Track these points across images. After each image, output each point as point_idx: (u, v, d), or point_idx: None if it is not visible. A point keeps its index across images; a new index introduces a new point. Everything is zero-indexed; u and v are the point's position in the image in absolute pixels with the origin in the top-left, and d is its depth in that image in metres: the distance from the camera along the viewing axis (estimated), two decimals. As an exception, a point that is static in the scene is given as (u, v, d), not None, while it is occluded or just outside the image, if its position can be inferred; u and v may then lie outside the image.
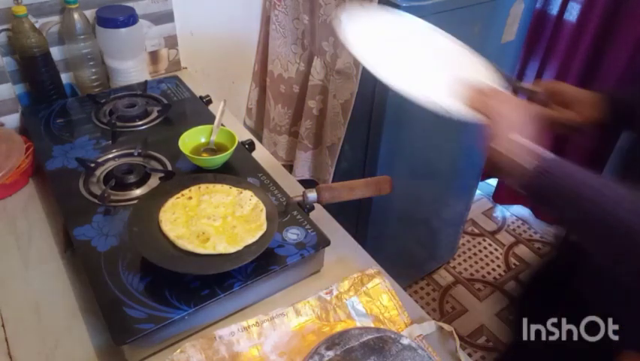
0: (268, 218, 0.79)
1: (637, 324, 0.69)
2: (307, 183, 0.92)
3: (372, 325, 0.73)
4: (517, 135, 0.58)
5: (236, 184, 0.85)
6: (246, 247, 0.74)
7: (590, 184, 0.56)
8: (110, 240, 0.78)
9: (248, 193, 0.83)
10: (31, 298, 0.77)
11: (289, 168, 1.75)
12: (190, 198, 0.81)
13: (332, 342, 0.59)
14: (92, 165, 0.93)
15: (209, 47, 1.53)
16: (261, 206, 0.81)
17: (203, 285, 0.71)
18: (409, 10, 1.14)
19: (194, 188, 0.83)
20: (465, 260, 2.05)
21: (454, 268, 2.00)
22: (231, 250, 0.73)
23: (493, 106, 0.61)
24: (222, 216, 0.79)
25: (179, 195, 0.82)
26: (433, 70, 0.72)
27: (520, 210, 2.27)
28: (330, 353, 0.58)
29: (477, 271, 2.00)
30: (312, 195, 0.81)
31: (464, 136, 1.43)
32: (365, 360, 0.57)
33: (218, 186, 0.84)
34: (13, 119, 1.10)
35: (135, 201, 0.84)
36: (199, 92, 1.21)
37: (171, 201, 0.80)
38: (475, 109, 0.62)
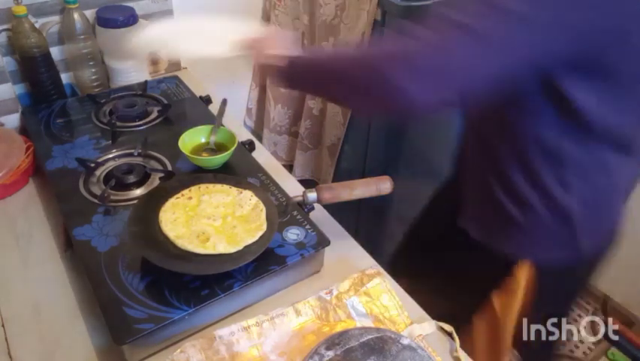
0: (268, 218, 0.79)
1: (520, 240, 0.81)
2: (307, 183, 0.92)
3: (372, 325, 0.73)
4: (275, 50, 0.75)
5: (236, 184, 0.85)
6: (246, 247, 0.74)
7: (327, 56, 0.74)
8: (110, 240, 0.78)
9: (248, 193, 0.83)
10: (31, 298, 0.77)
11: (289, 168, 1.75)
12: (190, 198, 0.81)
13: (332, 342, 0.59)
14: (92, 165, 0.93)
15: (209, 47, 1.53)
16: (261, 206, 0.81)
17: (203, 285, 0.71)
18: (410, 9, 1.14)
19: (194, 188, 0.83)
20: (465, 260, 2.04)
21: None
22: (231, 250, 0.73)
23: (255, 39, 0.80)
24: (222, 216, 0.79)
25: (179, 195, 0.82)
26: (211, 36, 0.91)
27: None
28: (330, 353, 0.58)
29: (477, 271, 1.99)
30: (312, 195, 0.81)
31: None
32: (365, 360, 0.57)
33: (218, 186, 0.84)
34: (13, 119, 1.10)
35: (135, 201, 0.84)
36: (199, 92, 1.21)
37: (171, 201, 0.80)
38: (244, 46, 0.81)
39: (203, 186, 0.84)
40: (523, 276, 0.83)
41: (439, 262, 0.99)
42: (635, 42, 0.60)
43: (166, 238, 0.75)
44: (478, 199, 0.85)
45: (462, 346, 0.73)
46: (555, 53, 0.60)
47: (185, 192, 0.83)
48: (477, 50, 0.58)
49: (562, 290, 0.89)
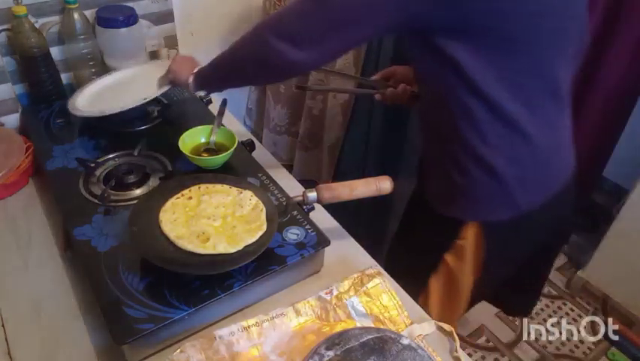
0: (268, 218, 0.79)
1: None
2: (307, 183, 0.92)
3: (372, 325, 0.73)
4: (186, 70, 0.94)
5: (237, 184, 0.85)
6: (246, 247, 0.74)
7: (222, 53, 0.86)
8: (110, 240, 0.78)
9: (248, 193, 0.83)
10: (31, 299, 0.77)
11: (289, 168, 1.75)
12: (190, 198, 0.81)
13: (332, 342, 0.59)
14: (92, 165, 0.93)
15: (209, 47, 1.53)
16: (261, 206, 0.81)
17: (203, 285, 0.71)
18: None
19: (194, 188, 0.83)
20: (465, 260, 2.04)
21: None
22: (231, 250, 0.73)
23: (170, 70, 0.99)
24: (222, 216, 0.79)
25: (179, 195, 0.82)
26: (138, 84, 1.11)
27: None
28: (330, 353, 0.58)
29: (477, 271, 2.00)
30: (312, 195, 0.81)
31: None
32: (365, 360, 0.57)
33: (218, 186, 0.84)
34: (13, 119, 1.10)
35: (135, 201, 0.84)
36: (199, 92, 1.21)
37: (171, 201, 0.80)
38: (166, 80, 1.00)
39: (203, 186, 0.84)
40: (471, 236, 0.89)
41: (402, 231, 1.12)
42: (500, 4, 0.67)
43: (166, 238, 0.75)
44: (433, 172, 0.92)
45: (419, 304, 0.80)
46: (416, 16, 0.68)
47: (185, 192, 0.83)
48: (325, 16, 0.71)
49: (509, 246, 0.95)
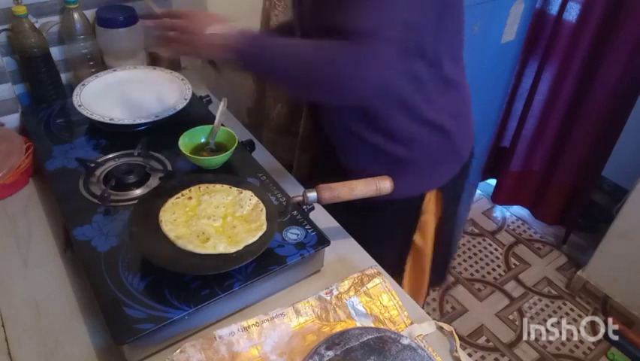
0: (268, 218, 0.79)
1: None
2: (307, 183, 0.92)
3: (372, 325, 0.73)
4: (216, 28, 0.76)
5: (237, 184, 0.85)
6: (246, 247, 0.74)
7: (285, 43, 0.77)
8: (110, 240, 0.78)
9: (248, 193, 0.83)
10: (31, 299, 0.77)
11: (289, 168, 1.75)
12: (190, 198, 0.81)
13: (332, 342, 0.59)
14: (92, 165, 0.93)
15: (209, 47, 1.53)
16: (261, 206, 0.81)
17: (203, 285, 0.71)
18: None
19: (194, 188, 0.83)
20: (465, 260, 2.05)
21: (454, 268, 2.00)
22: (232, 250, 0.73)
23: (182, 25, 0.78)
24: (222, 216, 0.79)
25: (179, 195, 0.82)
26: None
27: (520, 211, 2.27)
28: (330, 353, 0.58)
29: (477, 271, 2.00)
30: (312, 195, 0.81)
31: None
32: (365, 360, 0.57)
33: (218, 186, 0.84)
34: (13, 119, 1.10)
35: (135, 201, 0.84)
36: (199, 92, 1.21)
37: (171, 201, 0.80)
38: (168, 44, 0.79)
39: (203, 186, 0.84)
40: (431, 207, 0.94)
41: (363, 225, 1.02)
42: None
43: (166, 238, 0.75)
44: (367, 161, 0.92)
45: (394, 285, 0.80)
46: None
47: (185, 192, 0.83)
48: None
49: (458, 199, 1.04)
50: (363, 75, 0.70)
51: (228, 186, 0.84)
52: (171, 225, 0.76)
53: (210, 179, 0.86)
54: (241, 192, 0.83)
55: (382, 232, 1.01)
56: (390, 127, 0.85)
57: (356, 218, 0.92)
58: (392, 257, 0.99)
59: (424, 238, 0.97)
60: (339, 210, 0.90)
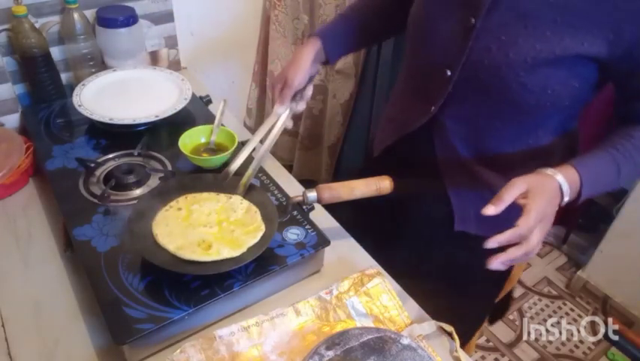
0: (268, 218, 0.79)
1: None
2: (307, 183, 0.92)
3: (372, 325, 0.73)
4: None
5: (221, 190, 0.84)
6: (250, 248, 0.74)
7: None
8: (110, 240, 0.78)
9: (237, 198, 0.82)
10: (31, 298, 0.77)
11: (289, 168, 1.75)
12: (179, 209, 0.81)
13: (332, 342, 0.59)
14: (92, 165, 0.93)
15: (209, 47, 1.53)
16: (254, 208, 0.81)
17: (203, 285, 0.71)
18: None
19: (180, 199, 0.82)
20: (465, 260, 2.04)
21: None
22: (235, 253, 0.73)
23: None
24: (217, 222, 0.78)
25: (167, 207, 0.81)
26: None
27: (520, 210, 2.27)
28: (330, 353, 0.58)
29: (477, 271, 1.99)
30: (312, 195, 0.81)
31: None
32: (365, 360, 0.57)
33: (205, 194, 0.84)
34: (13, 119, 1.09)
35: (135, 202, 0.84)
36: (199, 92, 1.21)
37: (161, 214, 0.79)
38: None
39: (190, 196, 0.83)
40: None
41: (441, 271, 0.93)
42: None
43: (166, 251, 0.74)
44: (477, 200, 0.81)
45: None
46: None
47: (173, 203, 0.81)
48: None
49: None
50: None
51: (215, 193, 0.84)
52: (168, 237, 0.75)
53: (210, 179, 0.86)
54: (230, 197, 0.83)
55: (474, 273, 0.86)
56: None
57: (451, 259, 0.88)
58: (490, 284, 0.94)
59: (519, 266, 0.91)
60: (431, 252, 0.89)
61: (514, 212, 0.63)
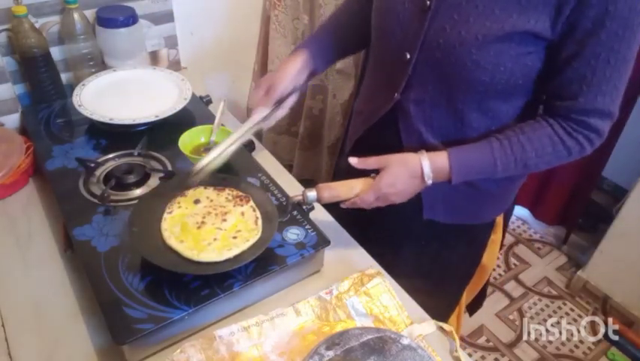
0: (268, 218, 0.79)
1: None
2: (307, 183, 0.92)
3: (372, 325, 0.73)
4: None
5: (236, 186, 0.85)
6: (249, 248, 0.74)
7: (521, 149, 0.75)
8: (110, 240, 0.78)
9: (236, 197, 0.83)
10: (31, 298, 0.77)
11: (289, 168, 1.75)
12: (180, 207, 0.80)
13: (332, 342, 0.59)
14: (92, 165, 0.93)
15: (209, 47, 1.53)
16: (254, 208, 0.81)
17: (203, 285, 0.71)
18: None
19: (181, 198, 0.82)
20: (465, 260, 2.05)
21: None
22: (235, 253, 0.73)
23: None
24: (217, 222, 0.78)
25: (169, 207, 0.80)
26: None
27: (520, 211, 2.27)
28: (330, 353, 0.58)
29: (477, 271, 2.00)
30: (312, 194, 0.81)
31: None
32: (365, 360, 0.57)
33: (206, 194, 0.83)
34: (13, 119, 1.09)
35: (135, 201, 0.84)
36: (199, 92, 1.21)
37: (164, 214, 0.79)
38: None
39: (190, 195, 0.82)
40: (500, 223, 0.93)
41: (419, 258, 0.98)
42: None
43: (165, 250, 0.74)
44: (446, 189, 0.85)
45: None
46: None
47: (174, 203, 0.81)
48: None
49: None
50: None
51: (215, 193, 0.84)
52: (170, 237, 0.75)
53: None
54: (231, 198, 0.83)
55: (445, 260, 0.97)
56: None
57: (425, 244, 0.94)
58: (451, 287, 1.01)
59: (492, 253, 0.98)
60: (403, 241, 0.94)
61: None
